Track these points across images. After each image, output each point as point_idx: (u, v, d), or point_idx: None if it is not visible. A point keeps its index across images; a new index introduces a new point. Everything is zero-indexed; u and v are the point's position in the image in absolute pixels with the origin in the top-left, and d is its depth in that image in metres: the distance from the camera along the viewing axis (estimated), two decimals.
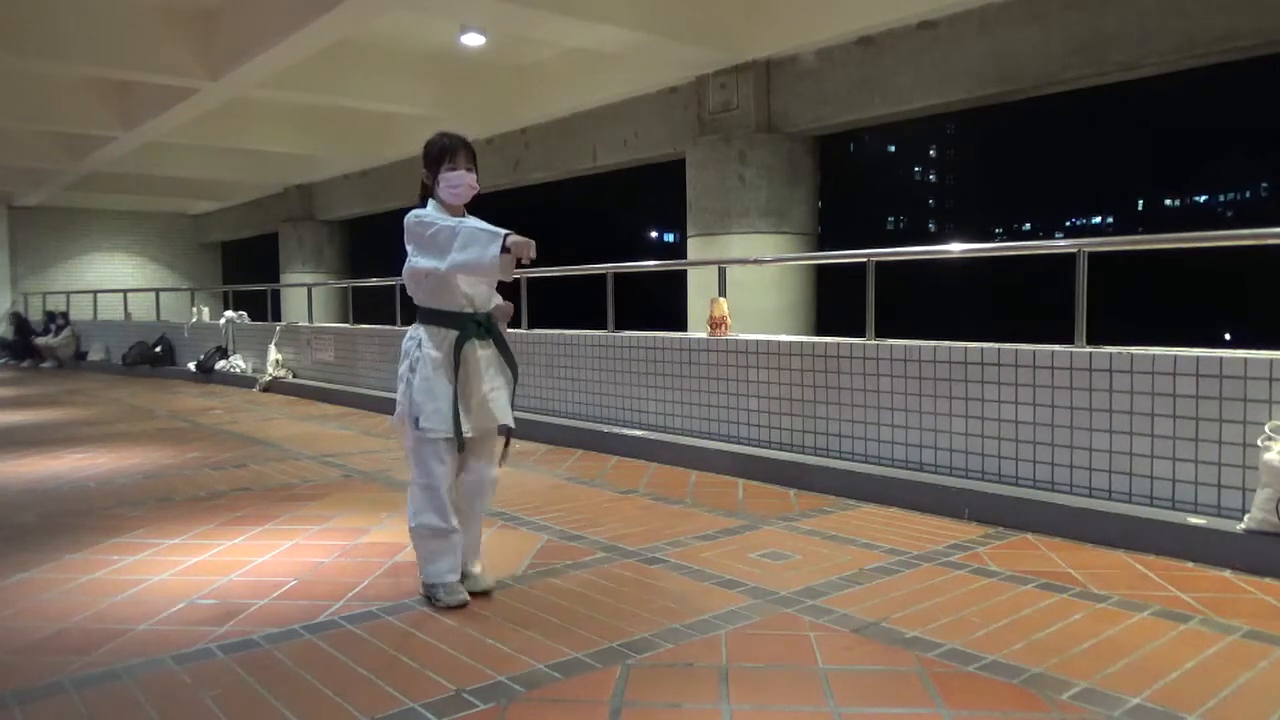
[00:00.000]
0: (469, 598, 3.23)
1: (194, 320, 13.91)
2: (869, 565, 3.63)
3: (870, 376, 5.05)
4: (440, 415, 3.12)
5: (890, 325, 5.28)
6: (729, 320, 6.13)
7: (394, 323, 9.66)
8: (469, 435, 3.17)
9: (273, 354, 11.47)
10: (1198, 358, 3.85)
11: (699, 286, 9.58)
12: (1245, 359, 3.72)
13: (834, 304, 9.57)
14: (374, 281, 10.95)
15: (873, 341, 5.12)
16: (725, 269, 6.54)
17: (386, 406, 8.86)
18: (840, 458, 5.17)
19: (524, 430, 7.16)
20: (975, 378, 4.59)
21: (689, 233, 10.15)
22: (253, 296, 14.71)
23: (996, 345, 4.55)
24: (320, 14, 7.80)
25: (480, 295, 3.25)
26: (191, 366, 12.82)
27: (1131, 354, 4.06)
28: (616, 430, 6.44)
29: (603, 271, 7.07)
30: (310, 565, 3.75)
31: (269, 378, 11.25)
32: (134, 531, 4.31)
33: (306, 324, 11.66)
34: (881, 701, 2.42)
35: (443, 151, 3.18)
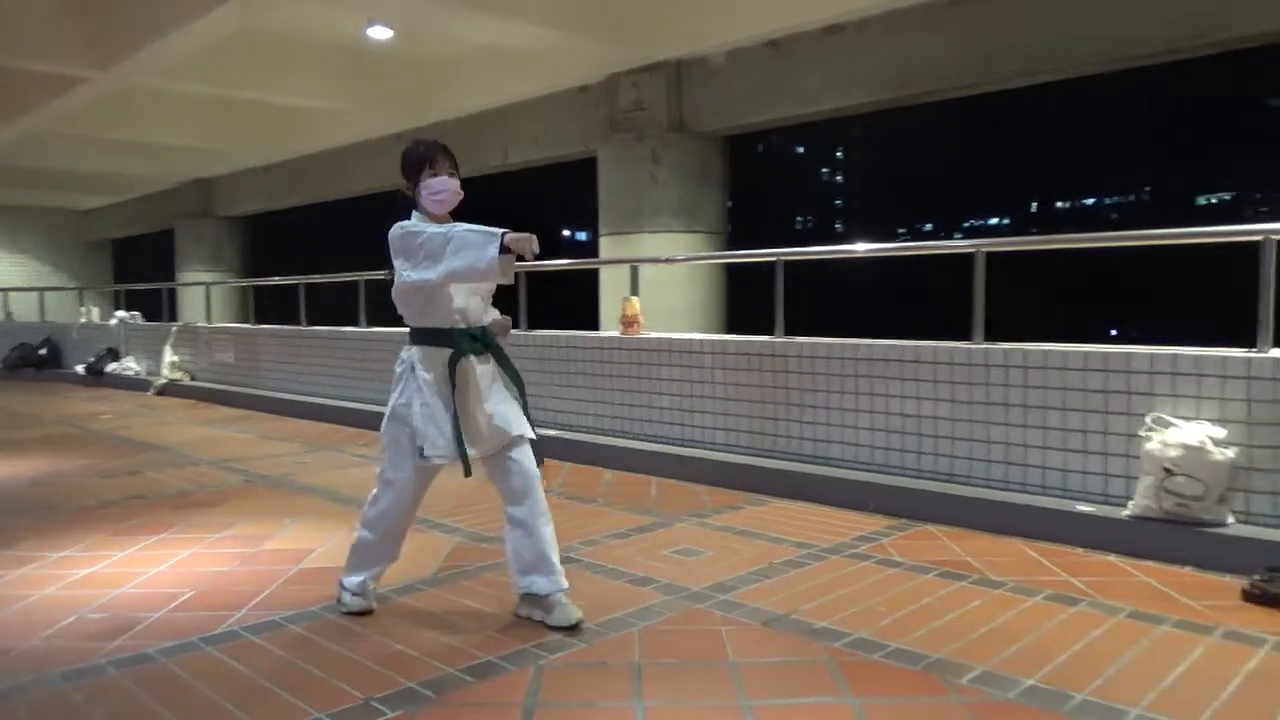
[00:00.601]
0: (374, 605, 3.15)
1: (83, 320, 13.25)
2: (779, 559, 3.69)
3: (780, 374, 5.14)
4: (445, 440, 2.95)
5: (799, 323, 5.38)
6: (641, 319, 6.16)
7: (298, 322, 9.39)
8: (477, 457, 3.00)
9: (168, 355, 11.02)
10: (1085, 353, 4.04)
11: (611, 285, 9.59)
12: (1128, 354, 3.92)
13: (745, 302, 9.71)
14: (277, 280, 10.62)
15: (781, 339, 5.21)
16: (637, 267, 6.57)
17: (291, 409, 8.63)
18: (751, 454, 5.25)
19: None
20: (879, 374, 4.72)
21: (601, 231, 10.15)
22: (147, 296, 14.11)
23: (899, 342, 4.69)
24: (219, 2, 7.53)
25: (473, 309, 3.07)
26: (80, 369, 12.22)
27: (1025, 350, 4.23)
28: None
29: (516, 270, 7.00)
30: (209, 575, 3.61)
31: (164, 380, 10.81)
32: (20, 544, 4.08)
33: (205, 324, 11.24)
34: (791, 692, 2.47)
35: (422, 160, 3.01)
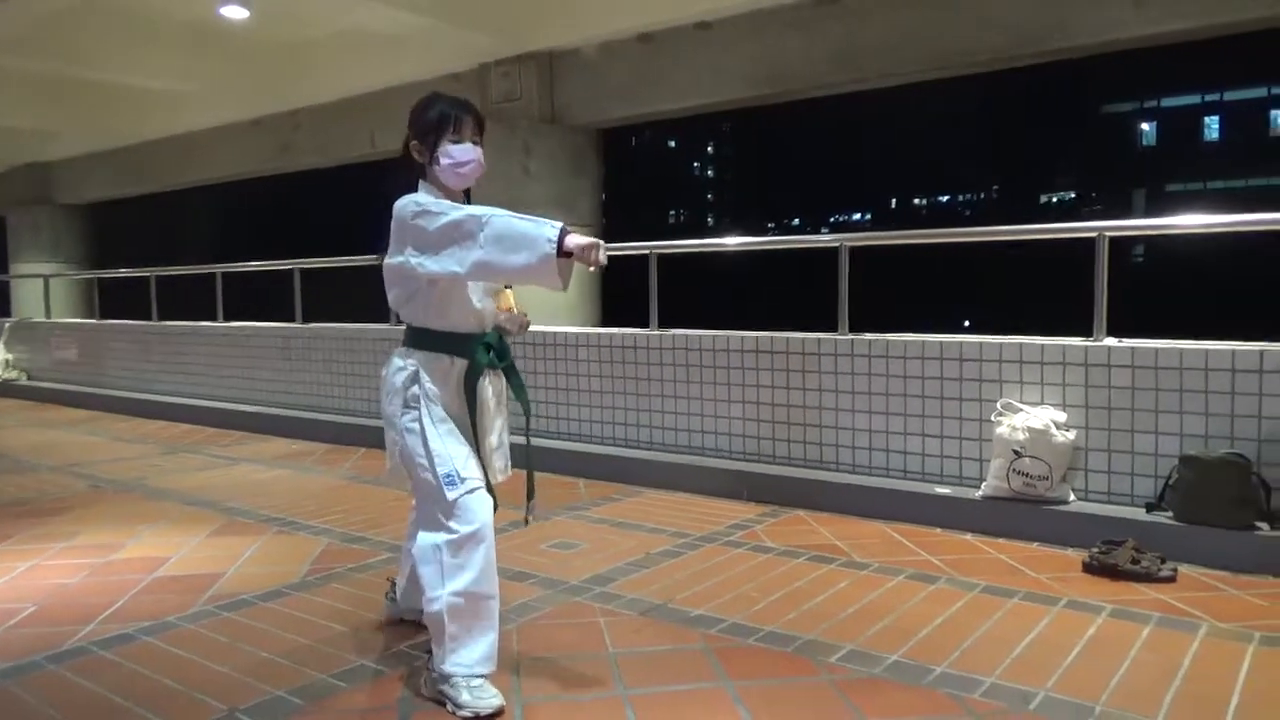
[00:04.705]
0: (503, 702, 2.36)
1: None
2: (655, 549, 3.74)
3: (654, 366, 5.19)
4: (475, 463, 2.45)
5: (673, 315, 5.44)
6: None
7: (149, 317, 8.86)
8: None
9: (1, 354, 10.22)
10: (941, 343, 4.26)
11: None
12: (980, 343, 4.15)
13: (620, 294, 9.76)
14: (125, 273, 9.99)
15: (655, 331, 5.26)
16: None
17: (143, 409, 8.16)
18: (627, 446, 5.29)
19: (301, 430, 6.80)
20: (750, 364, 4.83)
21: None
22: None
23: (769, 334, 4.81)
24: None
25: (489, 311, 2.58)
26: None
27: (887, 340, 4.42)
28: None
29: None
30: (53, 588, 3.37)
31: None
32: None
33: (44, 320, 10.46)
34: (668, 680, 2.50)
35: (444, 119, 2.44)
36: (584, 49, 9.27)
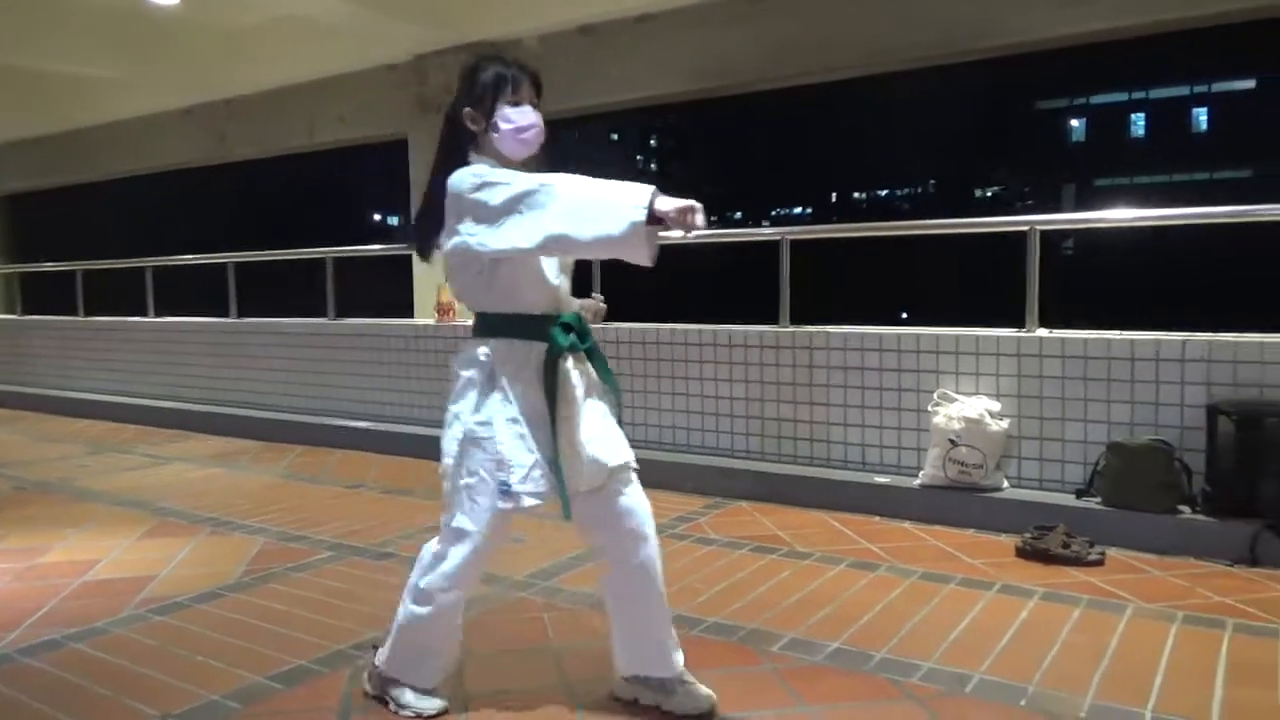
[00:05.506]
0: (446, 704, 2.31)
1: None
2: None
3: None
4: (543, 474, 2.15)
5: (617, 308, 5.42)
6: (456, 306, 6.04)
7: (75, 313, 8.58)
8: (584, 492, 2.21)
9: None
10: (880, 335, 4.32)
11: (426, 271, 9.34)
12: (917, 335, 4.23)
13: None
14: (49, 266, 9.66)
15: (598, 325, 5.24)
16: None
17: (69, 408, 7.89)
18: None
19: (235, 427, 6.65)
20: (694, 358, 4.86)
21: (414, 215, 9.85)
22: None
23: (711, 327, 4.84)
24: None
25: (564, 291, 2.32)
26: None
27: (828, 332, 4.47)
28: (340, 422, 6.15)
29: (321, 255, 6.72)
30: None
31: None
32: None
33: None
34: (611, 672, 2.50)
35: (501, 81, 2.23)
36: (525, 41, 9.18)
